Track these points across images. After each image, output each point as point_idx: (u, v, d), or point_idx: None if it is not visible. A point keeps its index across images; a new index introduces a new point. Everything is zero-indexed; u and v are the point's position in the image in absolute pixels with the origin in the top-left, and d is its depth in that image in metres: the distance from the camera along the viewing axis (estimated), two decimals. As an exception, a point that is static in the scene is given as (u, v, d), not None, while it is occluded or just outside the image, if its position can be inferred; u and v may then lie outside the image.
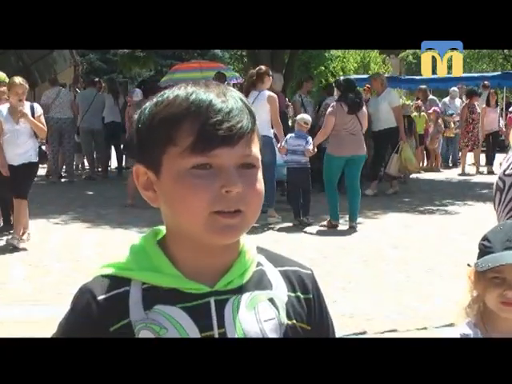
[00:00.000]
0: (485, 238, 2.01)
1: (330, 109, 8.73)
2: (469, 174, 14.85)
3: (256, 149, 1.14)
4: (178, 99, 1.12)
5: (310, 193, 8.76)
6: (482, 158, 15.85)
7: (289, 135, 8.68)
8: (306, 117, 8.85)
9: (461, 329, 2.02)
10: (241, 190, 1.10)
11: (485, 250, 1.99)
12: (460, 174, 14.96)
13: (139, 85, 13.17)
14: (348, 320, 4.98)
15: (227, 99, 1.12)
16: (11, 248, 7.03)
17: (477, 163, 15.30)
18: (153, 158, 1.14)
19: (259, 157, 1.15)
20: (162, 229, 1.21)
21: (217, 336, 1.14)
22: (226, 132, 1.09)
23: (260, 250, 1.25)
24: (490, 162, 15.47)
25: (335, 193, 8.62)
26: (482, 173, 14.99)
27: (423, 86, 16.80)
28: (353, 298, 5.58)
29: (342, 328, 4.79)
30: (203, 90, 1.13)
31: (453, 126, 16.31)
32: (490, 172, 14.79)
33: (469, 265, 2.06)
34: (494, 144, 15.76)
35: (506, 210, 2.63)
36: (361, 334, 4.74)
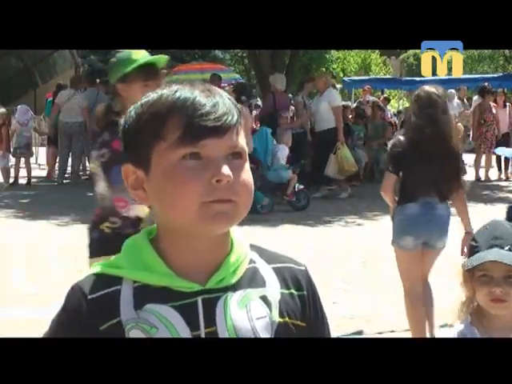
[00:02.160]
0: (472, 239, 2.06)
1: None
2: (480, 180, 13.64)
3: (243, 141, 1.16)
4: (162, 97, 1.14)
5: None
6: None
7: None
8: None
9: (457, 327, 2.04)
10: (231, 180, 1.11)
11: (472, 249, 2.02)
12: (476, 180, 13.54)
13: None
14: (347, 321, 4.98)
15: (212, 94, 1.14)
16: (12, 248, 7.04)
17: (487, 167, 14.05)
18: (141, 155, 1.15)
19: (246, 149, 1.17)
20: (155, 227, 1.22)
21: (203, 334, 1.14)
22: (213, 123, 1.11)
23: (252, 247, 1.26)
24: (498, 167, 14.26)
25: None
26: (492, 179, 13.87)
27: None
28: (352, 299, 5.58)
29: (342, 329, 4.79)
30: (188, 87, 1.15)
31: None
32: (501, 178, 13.95)
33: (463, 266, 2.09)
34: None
35: None
36: (360, 334, 4.75)
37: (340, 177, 10.95)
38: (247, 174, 1.16)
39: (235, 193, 1.12)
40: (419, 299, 4.29)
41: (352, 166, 10.90)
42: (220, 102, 1.13)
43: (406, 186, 4.18)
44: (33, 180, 12.80)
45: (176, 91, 1.14)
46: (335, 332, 4.76)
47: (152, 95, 1.17)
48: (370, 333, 4.78)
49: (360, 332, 4.81)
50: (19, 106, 13.45)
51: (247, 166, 1.17)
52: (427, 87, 4.14)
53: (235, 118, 1.14)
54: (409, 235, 4.17)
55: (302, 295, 1.25)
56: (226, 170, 1.10)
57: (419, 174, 4.09)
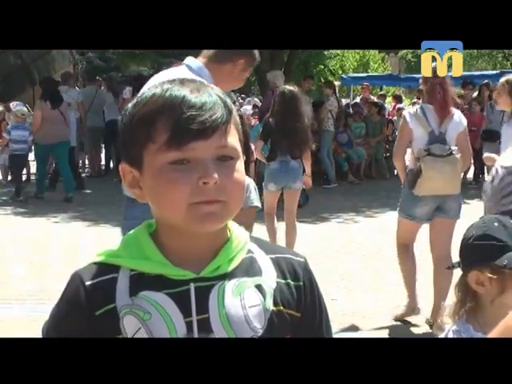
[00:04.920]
0: (491, 238, 1.99)
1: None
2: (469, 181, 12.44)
3: (233, 139, 1.17)
4: (154, 97, 1.16)
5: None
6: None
7: (9, 127, 11.06)
8: (23, 108, 11.32)
9: (451, 326, 2.03)
10: (218, 182, 1.12)
11: (498, 249, 1.96)
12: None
13: (132, 81, 13.07)
14: (347, 318, 4.99)
15: (200, 94, 1.15)
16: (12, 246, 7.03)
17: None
18: (135, 155, 1.18)
19: (238, 147, 1.18)
20: (155, 221, 1.25)
21: (195, 321, 1.16)
22: (199, 126, 1.12)
23: (252, 239, 1.28)
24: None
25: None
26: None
27: (421, 87, 16.64)
28: (352, 297, 5.59)
29: (342, 326, 4.80)
30: (177, 86, 1.17)
31: None
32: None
33: (453, 266, 2.08)
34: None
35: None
36: (358, 330, 4.76)
37: None
38: (238, 173, 1.17)
39: (224, 193, 1.14)
40: (273, 221, 6.43)
41: None
42: (208, 101, 1.15)
43: (271, 150, 6.36)
44: (32, 177, 12.78)
45: (166, 91, 1.16)
46: (334, 328, 4.76)
47: (145, 94, 1.19)
48: (368, 328, 4.80)
49: (358, 328, 4.82)
50: (14, 103, 13.44)
51: (239, 164, 1.18)
52: (290, 87, 6.27)
53: (224, 117, 1.15)
54: (272, 182, 6.31)
55: (299, 285, 1.26)
56: (212, 171, 1.12)
57: (279, 143, 6.25)
